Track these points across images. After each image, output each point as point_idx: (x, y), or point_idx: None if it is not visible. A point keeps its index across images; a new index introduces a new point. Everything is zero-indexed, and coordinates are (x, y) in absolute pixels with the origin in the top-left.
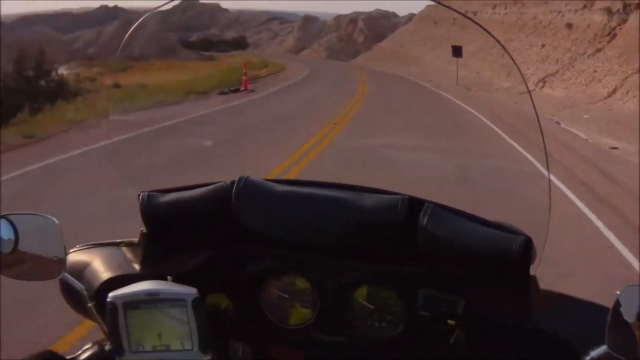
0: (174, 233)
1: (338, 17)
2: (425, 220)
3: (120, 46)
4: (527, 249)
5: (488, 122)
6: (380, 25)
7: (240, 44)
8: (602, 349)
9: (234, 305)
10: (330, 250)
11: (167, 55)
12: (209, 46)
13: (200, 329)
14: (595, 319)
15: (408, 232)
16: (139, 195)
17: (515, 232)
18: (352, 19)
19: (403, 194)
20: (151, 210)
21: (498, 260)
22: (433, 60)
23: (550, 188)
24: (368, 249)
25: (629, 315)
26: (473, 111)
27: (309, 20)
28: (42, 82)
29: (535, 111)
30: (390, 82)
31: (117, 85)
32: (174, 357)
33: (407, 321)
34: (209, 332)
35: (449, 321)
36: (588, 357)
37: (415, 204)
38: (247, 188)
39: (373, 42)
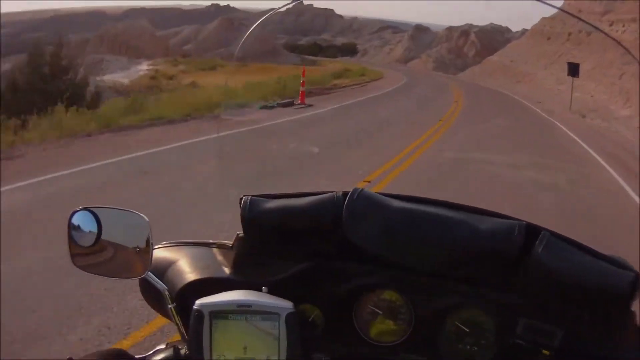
0: (274, 241)
1: (450, 29)
2: (541, 249)
3: (238, 47)
4: (634, 286)
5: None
6: (493, 40)
7: (349, 50)
8: None
9: (325, 317)
10: (435, 273)
11: (268, 58)
12: (318, 50)
13: (291, 345)
14: None
15: (520, 259)
16: (240, 199)
17: (625, 267)
18: (464, 31)
19: (520, 220)
20: (252, 215)
21: (603, 294)
22: (544, 79)
23: None
24: (478, 274)
25: None
26: (603, 164)
27: (419, 30)
28: (60, 82)
29: None
30: (491, 103)
31: (194, 85)
32: None
33: (500, 348)
34: (300, 348)
35: (544, 351)
36: None
37: (531, 231)
38: (362, 201)
39: (484, 57)
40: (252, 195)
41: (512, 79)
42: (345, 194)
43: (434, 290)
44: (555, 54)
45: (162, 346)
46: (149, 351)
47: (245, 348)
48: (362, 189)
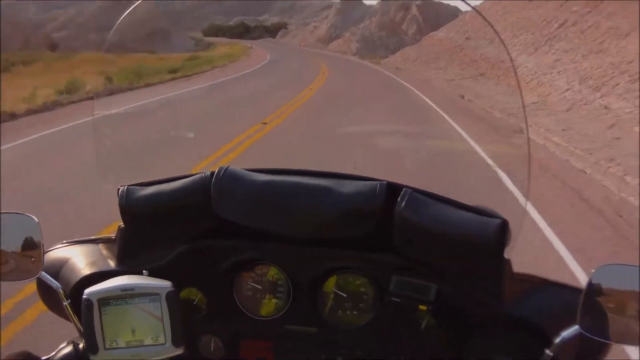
0: (151, 227)
1: (386, 1)
2: (403, 205)
3: (108, 39)
4: (502, 232)
5: None
6: (440, 16)
7: (277, 30)
8: (574, 329)
9: (208, 299)
10: (307, 241)
11: (154, 44)
12: (244, 32)
13: (174, 323)
14: (567, 300)
15: (386, 218)
16: (118, 190)
17: (492, 215)
18: (404, 3)
19: (381, 180)
20: (130, 205)
21: (473, 243)
22: (540, 74)
23: (529, 173)
24: (345, 237)
25: (601, 295)
26: None
27: (349, 4)
28: None
29: (521, 92)
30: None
31: None
32: (147, 352)
33: (379, 308)
34: (182, 326)
35: (421, 307)
36: (559, 338)
37: (393, 190)
38: (227, 179)
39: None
40: (129, 185)
41: (471, 70)
42: (213, 173)
43: (308, 259)
44: (551, 22)
45: (64, 344)
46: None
47: (133, 331)
48: (228, 167)
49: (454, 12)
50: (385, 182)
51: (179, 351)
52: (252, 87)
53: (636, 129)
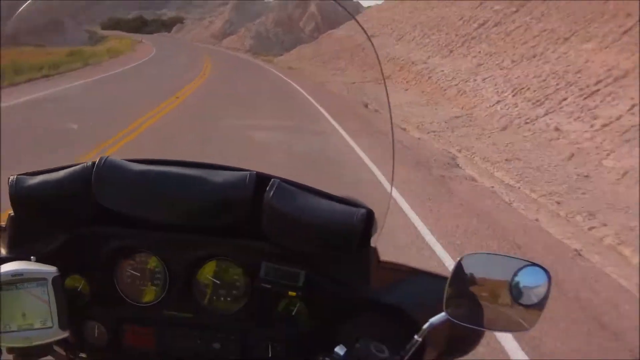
0: (38, 215)
1: None
2: (271, 195)
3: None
4: (367, 221)
5: None
6: (340, 14)
7: (171, 25)
8: (442, 315)
9: (91, 285)
10: (182, 227)
11: (48, 37)
12: (141, 25)
13: (60, 308)
14: (435, 288)
15: (256, 207)
16: (8, 179)
17: (357, 205)
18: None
19: (251, 170)
20: (19, 194)
21: (339, 232)
22: (454, 76)
23: (393, 164)
24: (217, 225)
25: (466, 282)
26: None
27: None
28: None
29: (387, 93)
30: None
31: None
32: (37, 335)
33: (251, 294)
34: (68, 310)
35: (290, 293)
36: (427, 324)
37: (262, 180)
38: (106, 168)
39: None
40: (18, 174)
41: (374, 72)
42: (94, 163)
43: (183, 247)
44: (468, 22)
45: None
46: None
47: (24, 315)
48: (108, 157)
49: (355, 9)
50: (254, 172)
51: (65, 334)
52: (112, 92)
53: (606, 162)
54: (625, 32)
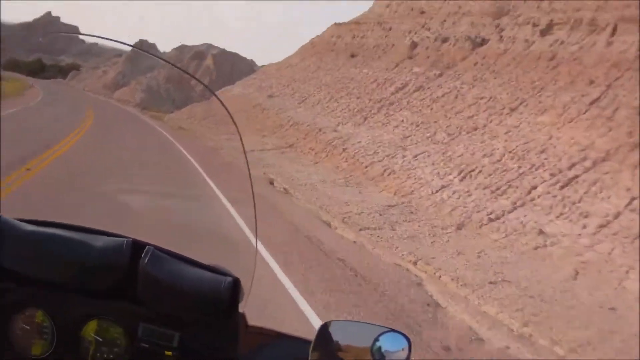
0: None
1: (181, 49)
2: (146, 261)
3: None
4: (234, 289)
5: None
6: (236, 68)
7: (70, 71)
8: None
9: None
10: (67, 287)
11: None
12: (40, 69)
13: None
14: (300, 352)
15: (132, 272)
16: None
17: (225, 274)
18: (200, 52)
19: (128, 237)
20: None
21: (208, 299)
22: (376, 149)
23: (256, 234)
24: (97, 287)
25: (331, 347)
26: None
27: (141, 50)
28: None
29: (245, 156)
30: None
31: None
32: None
33: (132, 353)
34: None
35: (167, 352)
36: None
37: (137, 247)
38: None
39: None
40: None
41: (276, 138)
42: None
43: (68, 305)
44: (383, 85)
45: None
46: None
47: None
48: (0, 216)
49: (250, 66)
50: (130, 239)
51: None
52: None
53: (628, 284)
54: (592, 102)
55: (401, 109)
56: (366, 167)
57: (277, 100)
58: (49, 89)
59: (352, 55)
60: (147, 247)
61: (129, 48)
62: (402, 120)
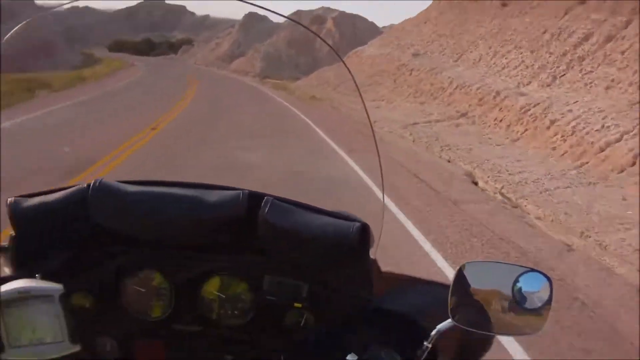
0: (39, 235)
1: (298, 14)
2: (265, 212)
3: None
4: (363, 234)
5: None
6: (358, 29)
7: (179, 47)
8: (448, 322)
9: (98, 302)
10: (181, 245)
11: (37, 62)
12: (149, 48)
13: (69, 322)
14: (440, 296)
15: (250, 224)
16: (6, 200)
17: (352, 219)
18: (318, 16)
19: (243, 189)
20: (17, 214)
21: (336, 245)
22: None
23: (382, 178)
24: (215, 242)
25: (471, 289)
26: None
27: (255, 17)
28: None
29: (366, 109)
30: None
31: None
32: (48, 349)
33: (257, 307)
34: (76, 326)
35: (296, 304)
36: (435, 331)
37: (255, 198)
38: (101, 190)
39: (346, 53)
40: (16, 196)
41: (437, 105)
42: (89, 184)
43: (187, 263)
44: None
45: None
46: None
47: (34, 330)
48: (102, 179)
49: (372, 27)
50: (247, 191)
51: (77, 348)
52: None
53: None
54: None
55: (599, 65)
56: (601, 149)
57: (425, 59)
58: (154, 66)
59: (504, 5)
60: (265, 197)
61: (240, 17)
62: (612, 80)
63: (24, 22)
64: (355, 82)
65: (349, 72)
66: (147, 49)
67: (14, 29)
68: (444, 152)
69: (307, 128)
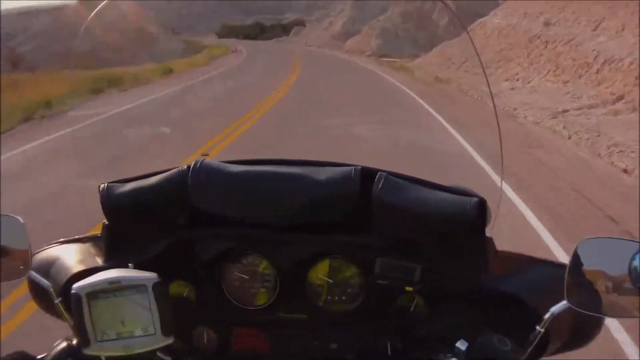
0: (134, 222)
1: None
2: (379, 188)
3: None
4: (481, 210)
5: None
6: (475, 3)
7: (291, 29)
8: (563, 304)
9: (197, 290)
10: (287, 227)
11: (133, 53)
12: (259, 32)
13: (162, 313)
14: (554, 276)
15: (363, 202)
16: (99, 187)
17: (469, 194)
18: None
19: (356, 165)
20: (111, 202)
21: (453, 222)
22: None
23: (502, 151)
24: (325, 222)
25: (587, 269)
26: None
27: None
28: None
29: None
30: None
31: None
32: (138, 343)
33: (367, 292)
34: (171, 316)
35: (407, 288)
36: (548, 314)
37: (368, 174)
38: (203, 170)
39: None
40: (109, 182)
41: (583, 85)
42: (189, 166)
43: (291, 246)
44: None
45: (58, 342)
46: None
47: (123, 322)
48: (203, 159)
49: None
50: (359, 166)
51: (169, 341)
52: None
53: None
54: None
55: None
56: None
57: (559, 29)
58: (259, 51)
59: None
60: (379, 173)
61: None
62: None
63: (95, 9)
64: (480, 61)
65: (474, 47)
66: (257, 32)
67: (87, 19)
68: (615, 156)
69: (446, 135)
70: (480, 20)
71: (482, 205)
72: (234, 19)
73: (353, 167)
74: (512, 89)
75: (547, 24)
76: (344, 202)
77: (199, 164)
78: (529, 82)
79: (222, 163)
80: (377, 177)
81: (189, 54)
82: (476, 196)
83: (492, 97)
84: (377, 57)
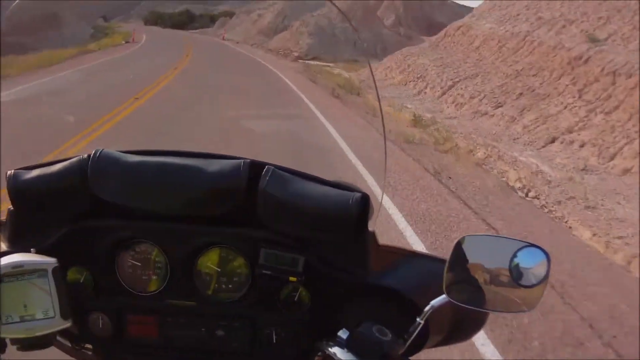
0: (37, 209)
1: None
2: (265, 182)
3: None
4: (363, 205)
5: None
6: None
7: (218, 20)
8: (442, 297)
9: (93, 277)
10: (180, 218)
11: (44, 38)
12: (188, 21)
13: (61, 297)
14: (435, 271)
15: (251, 195)
16: (6, 173)
17: (353, 190)
18: None
19: (245, 158)
20: (15, 188)
21: (336, 217)
22: None
23: (386, 149)
24: (214, 214)
25: (467, 264)
26: None
27: None
28: None
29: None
30: None
31: None
32: (38, 325)
33: (252, 282)
34: (69, 300)
35: (291, 278)
36: (428, 307)
37: (256, 168)
38: (102, 160)
39: (414, 29)
40: (15, 169)
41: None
42: (89, 155)
43: (182, 235)
44: None
45: None
46: None
47: (25, 306)
48: (103, 149)
49: (452, 12)
50: (249, 160)
51: (67, 324)
52: None
53: None
54: None
55: None
56: None
57: (611, 47)
58: (165, 42)
59: None
60: (266, 166)
61: None
62: None
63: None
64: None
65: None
66: (185, 21)
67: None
68: None
69: None
70: (454, 23)
71: (364, 200)
72: (167, 6)
73: (242, 161)
74: (585, 170)
75: (593, 40)
76: (232, 195)
77: (98, 153)
78: (600, 148)
79: (122, 153)
80: (264, 170)
81: (98, 40)
82: (359, 192)
83: (375, 85)
84: (306, 60)
